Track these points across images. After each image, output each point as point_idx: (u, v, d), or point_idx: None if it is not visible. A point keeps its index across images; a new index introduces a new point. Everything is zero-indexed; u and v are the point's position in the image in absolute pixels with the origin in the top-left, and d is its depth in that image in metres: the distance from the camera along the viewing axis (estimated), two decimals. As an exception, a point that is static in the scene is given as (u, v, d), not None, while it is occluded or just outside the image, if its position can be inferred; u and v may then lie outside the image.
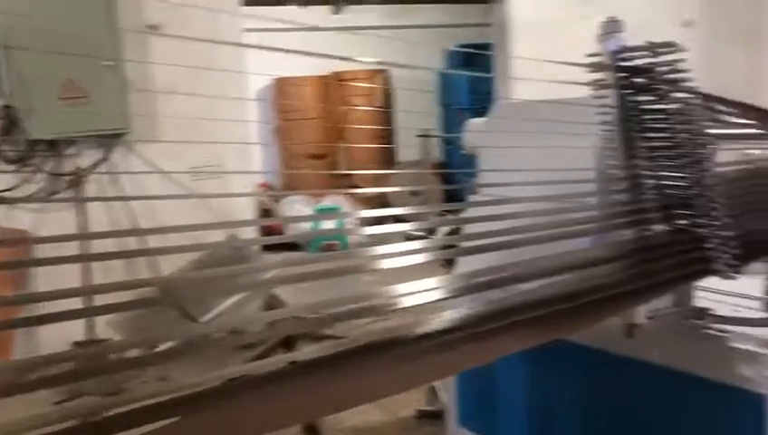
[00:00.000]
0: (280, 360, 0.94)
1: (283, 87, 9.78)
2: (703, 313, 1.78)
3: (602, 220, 1.45)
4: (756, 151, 1.81)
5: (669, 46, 1.40)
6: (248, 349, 2.23)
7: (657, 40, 1.45)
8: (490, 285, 1.20)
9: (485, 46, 6.84)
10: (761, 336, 1.63)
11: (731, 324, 1.72)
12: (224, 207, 4.54)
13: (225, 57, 4.62)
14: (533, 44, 5.72)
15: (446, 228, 4.10)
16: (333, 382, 0.99)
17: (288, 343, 2.59)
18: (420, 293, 1.11)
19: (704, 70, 1.39)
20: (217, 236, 3.17)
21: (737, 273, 1.39)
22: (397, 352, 1.04)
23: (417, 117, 8.81)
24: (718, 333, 1.69)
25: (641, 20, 1.54)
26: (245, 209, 5.03)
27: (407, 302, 1.08)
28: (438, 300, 1.12)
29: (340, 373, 0.99)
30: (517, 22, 6.00)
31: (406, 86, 9.27)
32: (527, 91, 1.76)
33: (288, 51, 1.42)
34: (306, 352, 0.98)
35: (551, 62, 1.43)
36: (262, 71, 7.24)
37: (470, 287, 1.17)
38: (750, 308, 1.84)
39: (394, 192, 6.94)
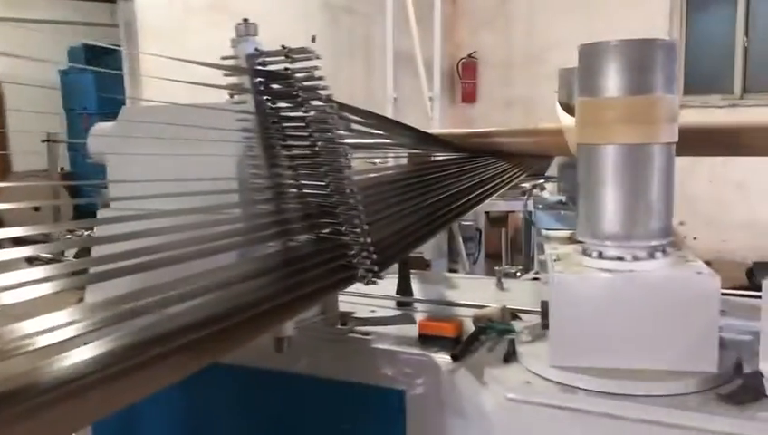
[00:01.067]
0: None
1: None
2: (345, 317, 1.83)
3: (247, 233, 1.38)
4: (386, 160, 1.93)
5: (305, 52, 1.39)
6: None
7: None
8: (131, 314, 1.02)
9: (112, 47, 6.38)
10: (398, 334, 1.73)
11: (370, 325, 1.80)
12: None
13: None
14: (162, 47, 5.50)
15: (74, 250, 3.64)
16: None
17: None
18: (48, 331, 0.88)
19: (331, 83, 1.40)
20: None
21: (378, 278, 1.43)
22: (20, 407, 0.81)
23: (38, 121, 7.82)
24: (360, 336, 1.75)
25: (273, 34, 1.52)
26: None
27: (30, 343, 0.85)
28: (72, 338, 0.91)
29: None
30: (144, 24, 5.71)
31: (21, 86, 8.15)
32: (161, 95, 1.61)
33: None
34: None
35: (186, 61, 1.29)
36: None
37: (108, 318, 0.98)
38: (385, 308, 1.96)
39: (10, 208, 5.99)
